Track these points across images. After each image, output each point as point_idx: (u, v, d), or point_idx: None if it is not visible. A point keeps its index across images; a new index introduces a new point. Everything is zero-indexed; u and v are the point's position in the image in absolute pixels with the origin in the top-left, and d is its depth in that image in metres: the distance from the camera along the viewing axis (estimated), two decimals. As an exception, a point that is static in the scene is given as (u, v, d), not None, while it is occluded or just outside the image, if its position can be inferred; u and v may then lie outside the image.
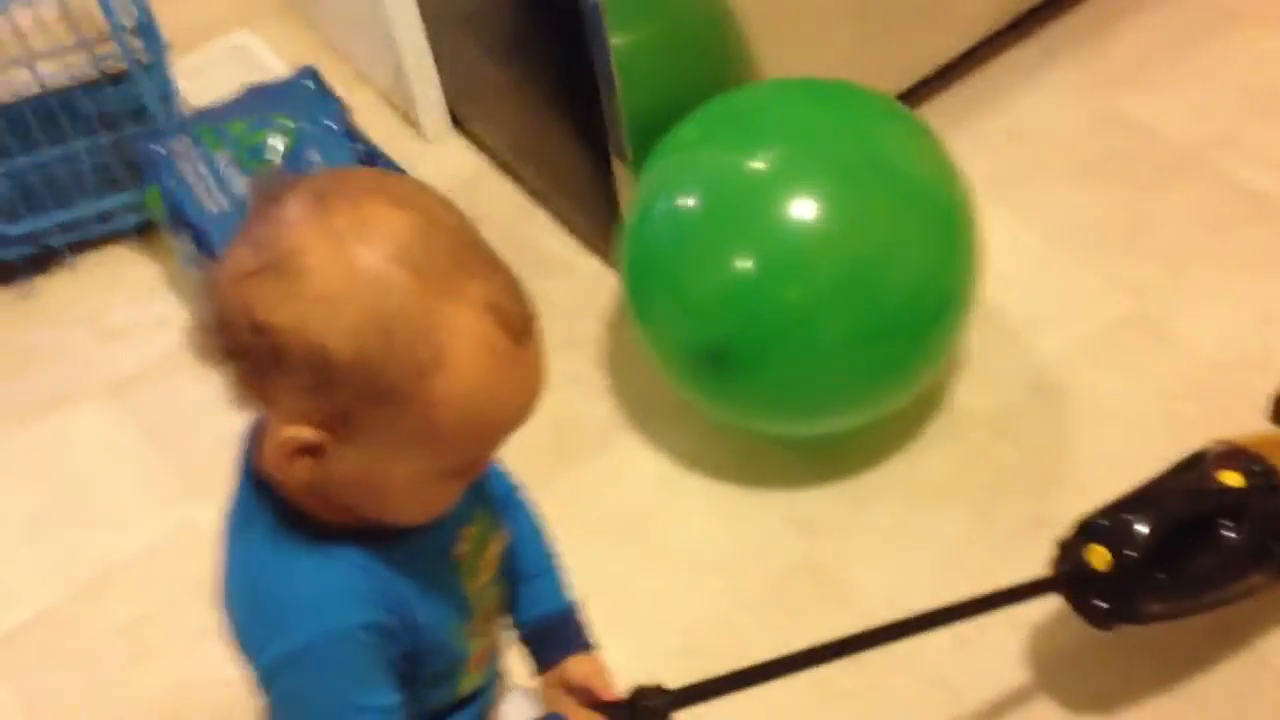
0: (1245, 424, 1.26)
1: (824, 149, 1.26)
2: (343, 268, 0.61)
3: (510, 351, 0.64)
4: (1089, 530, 1.10)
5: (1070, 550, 1.10)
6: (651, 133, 1.35)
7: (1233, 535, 1.10)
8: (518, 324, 0.65)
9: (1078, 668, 1.21)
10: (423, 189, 0.67)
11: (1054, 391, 1.41)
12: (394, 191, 0.65)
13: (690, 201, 1.26)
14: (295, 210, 0.63)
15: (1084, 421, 1.39)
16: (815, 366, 1.24)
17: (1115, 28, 1.74)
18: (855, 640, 1.00)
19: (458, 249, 0.64)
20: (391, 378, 0.62)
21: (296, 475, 0.66)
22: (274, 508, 0.70)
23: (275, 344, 0.62)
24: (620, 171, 1.45)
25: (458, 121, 1.75)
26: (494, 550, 0.81)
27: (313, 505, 0.69)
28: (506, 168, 1.69)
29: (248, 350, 0.64)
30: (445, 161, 1.70)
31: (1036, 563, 1.11)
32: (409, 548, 0.72)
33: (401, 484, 0.68)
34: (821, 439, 1.38)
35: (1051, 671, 1.21)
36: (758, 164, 1.24)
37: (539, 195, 1.65)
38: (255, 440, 0.72)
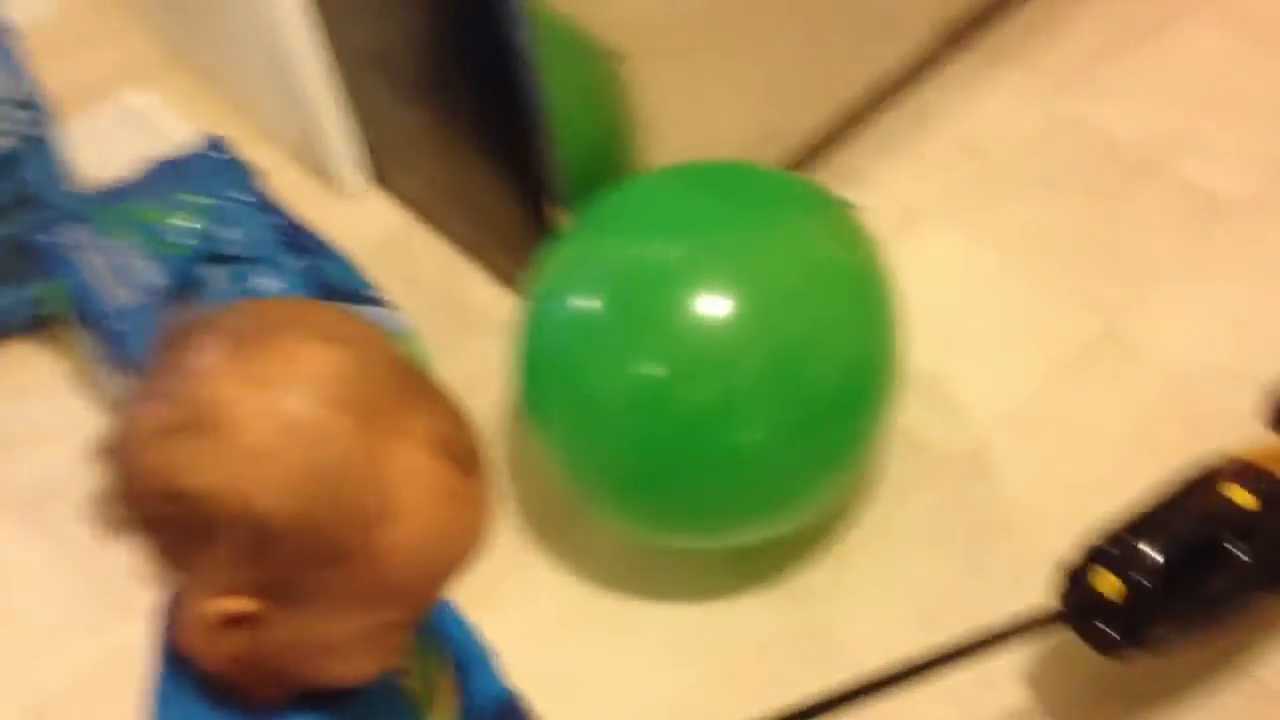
0: (1228, 439, 1.22)
1: (728, 237, 1.16)
2: (274, 419, 0.55)
3: (461, 487, 0.59)
4: (1098, 557, 1.06)
5: (1078, 578, 1.06)
6: (589, 175, 1.28)
7: (1244, 557, 1.07)
8: (466, 456, 0.60)
9: (1080, 705, 1.18)
10: (348, 317, 0.61)
11: (1026, 420, 1.36)
12: (319, 324, 0.59)
13: (589, 301, 1.17)
14: (212, 356, 0.57)
15: (1061, 450, 1.34)
16: (736, 474, 1.14)
17: (1056, 29, 1.69)
18: (855, 691, 0.97)
19: (396, 381, 0.59)
20: (336, 536, 0.56)
21: (224, 649, 0.59)
22: (198, 686, 0.63)
23: (201, 512, 0.55)
24: (557, 217, 1.38)
25: (378, 175, 1.65)
26: (446, 684, 0.75)
27: (242, 679, 0.62)
28: (434, 221, 1.60)
29: (167, 520, 0.57)
30: (368, 219, 1.60)
31: (1028, 600, 1.07)
32: (358, 701, 0.65)
33: (345, 642, 0.61)
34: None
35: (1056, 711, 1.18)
36: (659, 259, 1.15)
37: (471, 248, 1.56)
38: (173, 614, 0.64)
